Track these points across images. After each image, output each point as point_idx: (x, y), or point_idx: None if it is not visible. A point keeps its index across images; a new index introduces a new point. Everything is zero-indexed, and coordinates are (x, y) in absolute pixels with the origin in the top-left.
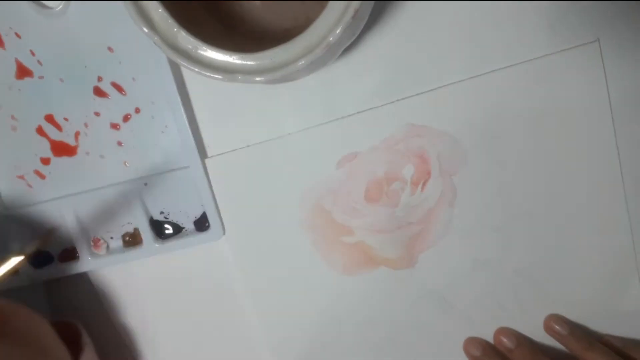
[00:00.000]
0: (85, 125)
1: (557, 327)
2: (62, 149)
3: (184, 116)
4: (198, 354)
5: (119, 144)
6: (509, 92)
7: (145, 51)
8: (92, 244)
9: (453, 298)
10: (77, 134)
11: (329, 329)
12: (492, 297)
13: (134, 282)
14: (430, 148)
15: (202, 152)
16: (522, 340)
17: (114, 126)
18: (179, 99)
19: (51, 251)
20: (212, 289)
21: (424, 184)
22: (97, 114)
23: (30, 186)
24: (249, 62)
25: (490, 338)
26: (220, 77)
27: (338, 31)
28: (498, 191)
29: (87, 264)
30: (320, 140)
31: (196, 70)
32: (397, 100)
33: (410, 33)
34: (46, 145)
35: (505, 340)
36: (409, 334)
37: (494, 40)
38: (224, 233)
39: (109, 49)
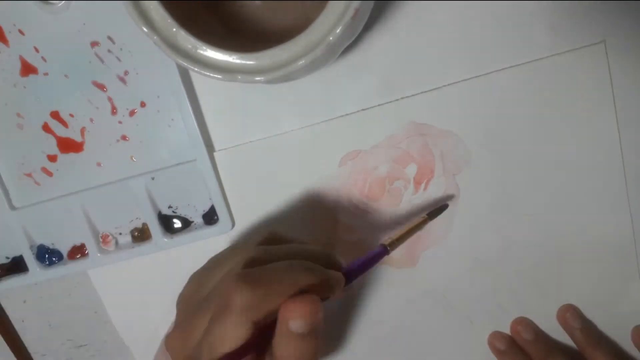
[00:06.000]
0: (91, 120)
1: (569, 318)
2: (69, 145)
3: (190, 109)
4: None
5: (125, 138)
6: (514, 92)
7: (149, 45)
8: (100, 240)
9: (453, 298)
10: (83, 130)
11: (329, 327)
12: (492, 297)
13: (143, 278)
14: (434, 147)
15: (209, 145)
16: (540, 334)
17: (120, 121)
18: (184, 92)
19: (60, 249)
20: None
21: (426, 183)
22: (102, 109)
23: (38, 184)
24: (248, 62)
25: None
26: (220, 76)
27: (338, 31)
28: (501, 191)
29: (96, 260)
30: (323, 138)
31: (196, 70)
32: (400, 98)
33: (413, 33)
34: (52, 142)
35: (522, 329)
36: (409, 333)
37: (498, 39)
38: (233, 226)
39: (113, 42)
